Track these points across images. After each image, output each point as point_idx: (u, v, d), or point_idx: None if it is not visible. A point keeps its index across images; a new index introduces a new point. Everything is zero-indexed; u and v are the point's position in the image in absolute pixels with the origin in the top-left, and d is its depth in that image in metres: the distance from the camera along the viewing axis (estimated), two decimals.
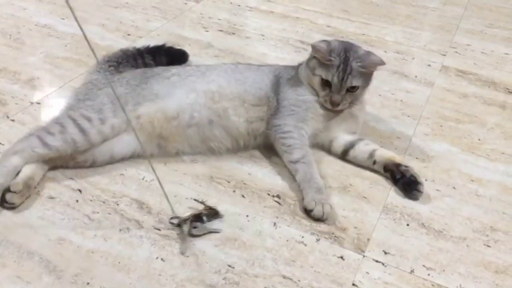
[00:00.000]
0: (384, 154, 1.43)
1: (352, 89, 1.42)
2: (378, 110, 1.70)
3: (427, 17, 2.41)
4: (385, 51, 2.07)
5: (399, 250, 1.21)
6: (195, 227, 1.19)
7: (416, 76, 1.91)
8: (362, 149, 1.45)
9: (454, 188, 1.40)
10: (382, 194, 1.37)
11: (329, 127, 1.47)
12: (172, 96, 1.41)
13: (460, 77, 1.93)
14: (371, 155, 1.43)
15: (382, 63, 1.42)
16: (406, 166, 1.39)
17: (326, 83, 1.42)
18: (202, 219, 1.20)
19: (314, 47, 1.43)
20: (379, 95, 1.78)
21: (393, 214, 1.31)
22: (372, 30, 2.23)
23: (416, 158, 1.51)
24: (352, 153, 1.45)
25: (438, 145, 1.56)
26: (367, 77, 1.44)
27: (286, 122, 1.42)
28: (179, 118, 1.39)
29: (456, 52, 2.10)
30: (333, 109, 1.43)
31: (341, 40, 1.51)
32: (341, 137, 1.47)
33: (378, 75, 1.86)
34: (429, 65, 2.00)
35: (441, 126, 1.65)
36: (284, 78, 1.50)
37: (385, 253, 1.20)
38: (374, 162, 1.42)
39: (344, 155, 1.47)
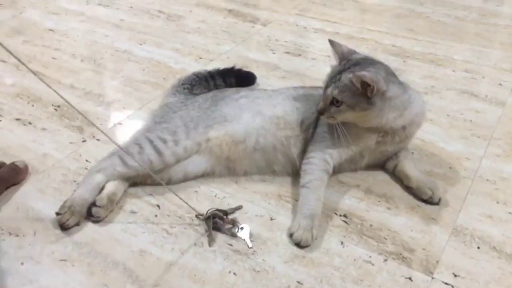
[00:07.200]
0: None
1: (336, 103, 1.34)
2: (446, 131, 1.69)
3: (498, 35, 2.36)
4: (453, 70, 2.05)
5: (469, 273, 1.20)
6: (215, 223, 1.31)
7: (486, 96, 1.88)
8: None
9: None
10: (451, 215, 1.36)
11: (375, 153, 1.46)
12: (239, 119, 1.47)
13: None
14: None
15: (369, 80, 1.26)
16: None
17: None
18: (225, 212, 1.33)
19: (331, 42, 1.44)
20: (448, 115, 1.77)
21: (463, 236, 1.30)
22: (439, 49, 2.22)
23: (487, 180, 1.48)
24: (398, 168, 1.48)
25: (511, 167, 1.53)
26: (359, 97, 1.31)
27: (313, 148, 1.42)
28: (246, 142, 1.45)
29: None
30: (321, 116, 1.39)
31: (369, 57, 1.42)
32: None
33: (447, 95, 1.87)
34: (500, 84, 1.96)
35: None
36: None
37: (455, 275, 1.19)
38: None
39: (393, 170, 1.50)
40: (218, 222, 1.30)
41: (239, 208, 1.38)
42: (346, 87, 1.32)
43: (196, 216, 1.33)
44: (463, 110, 1.80)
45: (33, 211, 1.36)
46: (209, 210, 1.32)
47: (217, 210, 1.32)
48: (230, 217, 1.33)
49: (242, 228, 1.30)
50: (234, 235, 1.29)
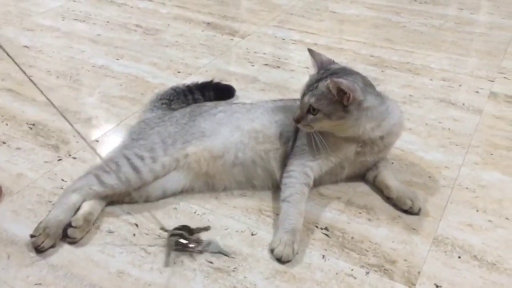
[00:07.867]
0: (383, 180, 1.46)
1: (313, 111, 1.34)
2: (425, 140, 1.70)
3: (474, 43, 2.39)
4: (430, 79, 2.07)
5: (451, 283, 1.20)
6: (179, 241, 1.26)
7: (463, 104, 1.90)
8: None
9: (507, 218, 1.38)
10: (432, 225, 1.36)
11: (354, 163, 1.46)
12: (217, 134, 1.46)
13: (509, 103, 1.89)
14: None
15: (345, 88, 1.27)
16: None
17: None
18: (191, 230, 1.29)
19: (310, 51, 1.46)
20: (426, 124, 1.78)
21: (444, 246, 1.30)
22: (417, 58, 2.23)
23: (466, 188, 1.49)
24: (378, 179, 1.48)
25: (489, 174, 1.54)
26: (335, 105, 1.31)
27: (293, 162, 1.42)
28: (224, 157, 1.43)
29: (505, 77, 2.07)
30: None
31: (347, 68, 1.44)
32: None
33: (425, 104, 1.89)
34: (477, 92, 1.98)
35: (492, 154, 1.63)
36: None
37: (437, 286, 1.19)
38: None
39: (373, 181, 1.50)
40: (182, 242, 1.26)
41: (207, 229, 1.33)
42: (322, 95, 1.32)
43: (161, 229, 1.28)
44: (441, 119, 1.81)
45: (6, 233, 1.32)
46: (173, 229, 1.28)
47: (183, 227, 1.28)
48: (196, 236, 1.29)
49: (209, 244, 1.27)
50: (201, 252, 1.26)
